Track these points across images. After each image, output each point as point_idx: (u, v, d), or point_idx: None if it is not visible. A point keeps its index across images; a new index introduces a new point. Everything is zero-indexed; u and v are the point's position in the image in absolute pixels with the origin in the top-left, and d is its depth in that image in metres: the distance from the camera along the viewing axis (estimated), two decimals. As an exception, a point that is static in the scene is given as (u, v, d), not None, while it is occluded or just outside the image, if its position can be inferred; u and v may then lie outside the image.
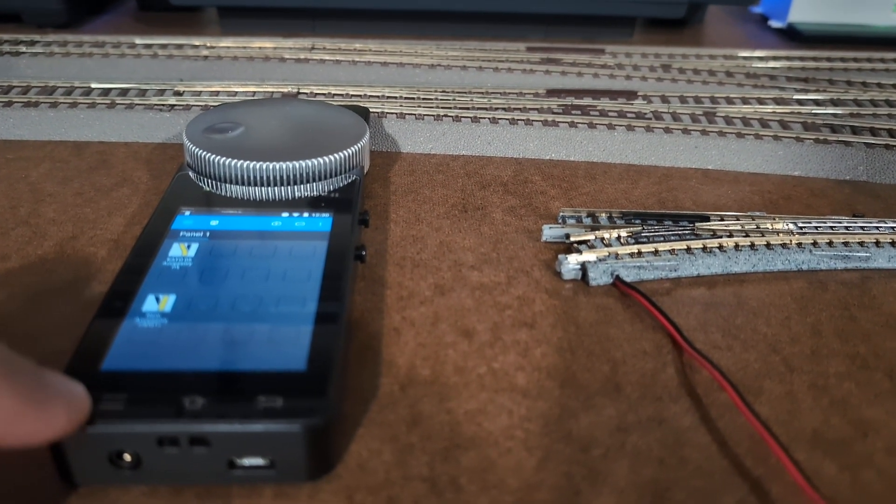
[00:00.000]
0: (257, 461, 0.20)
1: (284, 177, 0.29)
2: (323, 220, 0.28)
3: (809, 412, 0.23)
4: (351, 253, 0.26)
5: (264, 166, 0.29)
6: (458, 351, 0.25)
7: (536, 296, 0.28)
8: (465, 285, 0.28)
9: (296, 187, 0.29)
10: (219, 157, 0.29)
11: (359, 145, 0.31)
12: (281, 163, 0.29)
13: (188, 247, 0.26)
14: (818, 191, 0.36)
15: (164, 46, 0.47)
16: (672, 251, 0.29)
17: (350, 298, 0.26)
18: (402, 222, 0.32)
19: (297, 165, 0.29)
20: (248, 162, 0.29)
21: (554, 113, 0.40)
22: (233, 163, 0.29)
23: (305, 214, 0.28)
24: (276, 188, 0.29)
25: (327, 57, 0.46)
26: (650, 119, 0.40)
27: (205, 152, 0.30)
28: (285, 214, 0.28)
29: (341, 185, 0.30)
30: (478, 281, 0.28)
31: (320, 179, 0.30)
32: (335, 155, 0.30)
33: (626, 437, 0.22)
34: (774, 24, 0.59)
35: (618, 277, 0.28)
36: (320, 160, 0.29)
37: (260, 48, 0.47)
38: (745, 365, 0.25)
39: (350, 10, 0.52)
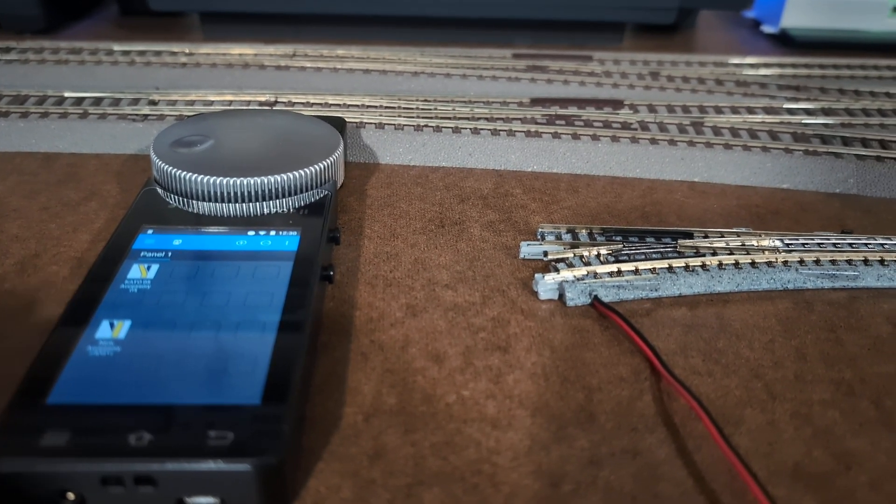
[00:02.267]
0: (207, 500, 0.19)
1: (252, 193, 0.28)
2: (290, 239, 0.27)
3: (791, 443, 0.22)
4: (317, 274, 0.25)
5: (231, 182, 0.28)
6: (428, 378, 0.24)
7: (512, 317, 0.27)
8: (438, 306, 0.27)
9: (263, 203, 0.28)
10: (184, 172, 0.28)
11: (331, 159, 0.30)
12: (248, 178, 0.28)
13: (148, 268, 0.25)
14: (807, 205, 0.35)
15: (142, 53, 0.46)
16: (653, 270, 0.28)
17: (316, 323, 0.25)
18: (376, 238, 0.31)
19: (265, 181, 0.28)
20: (214, 178, 0.28)
21: (537, 123, 0.39)
22: (198, 178, 0.28)
23: (272, 233, 0.27)
24: (243, 205, 0.28)
25: (308, 64, 0.45)
26: (636, 129, 0.39)
27: (170, 167, 0.29)
28: (251, 233, 0.27)
29: (312, 200, 0.29)
30: (452, 301, 0.27)
31: (289, 195, 0.29)
32: (305, 170, 0.29)
33: (599, 472, 0.21)
34: (767, 29, 0.58)
35: (596, 298, 0.27)
36: (289, 175, 0.29)
37: (240, 55, 0.46)
38: (725, 392, 0.24)
39: (334, 16, 0.51)
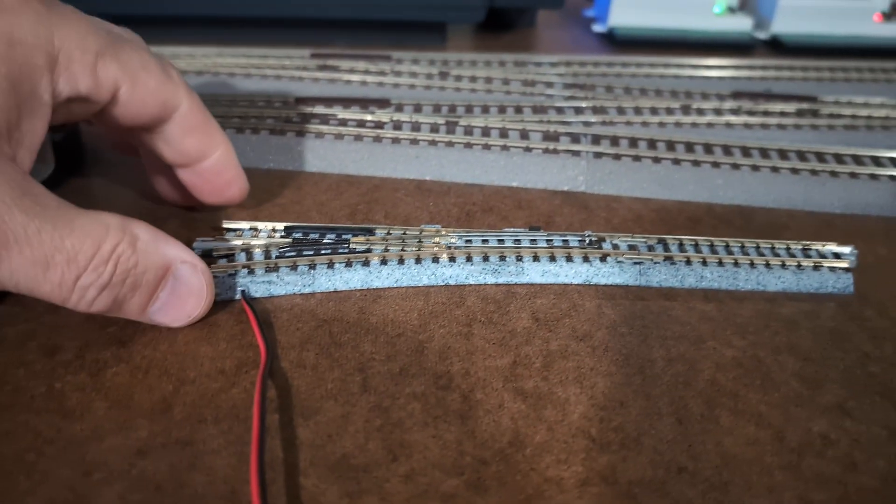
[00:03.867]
0: None
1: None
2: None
3: (352, 436, 0.23)
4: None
5: None
6: (30, 372, 0.25)
7: (153, 312, 0.27)
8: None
9: None
10: None
11: None
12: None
13: None
14: (525, 202, 0.36)
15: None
16: (311, 266, 0.29)
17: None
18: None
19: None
20: None
21: (285, 121, 0.40)
22: None
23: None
24: None
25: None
26: (384, 128, 0.39)
27: None
28: None
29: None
30: (102, 297, 0.28)
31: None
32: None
33: (140, 461, 0.22)
34: (597, 28, 0.58)
35: (243, 293, 0.28)
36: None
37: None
38: (319, 384, 0.25)
39: (153, 17, 0.52)
